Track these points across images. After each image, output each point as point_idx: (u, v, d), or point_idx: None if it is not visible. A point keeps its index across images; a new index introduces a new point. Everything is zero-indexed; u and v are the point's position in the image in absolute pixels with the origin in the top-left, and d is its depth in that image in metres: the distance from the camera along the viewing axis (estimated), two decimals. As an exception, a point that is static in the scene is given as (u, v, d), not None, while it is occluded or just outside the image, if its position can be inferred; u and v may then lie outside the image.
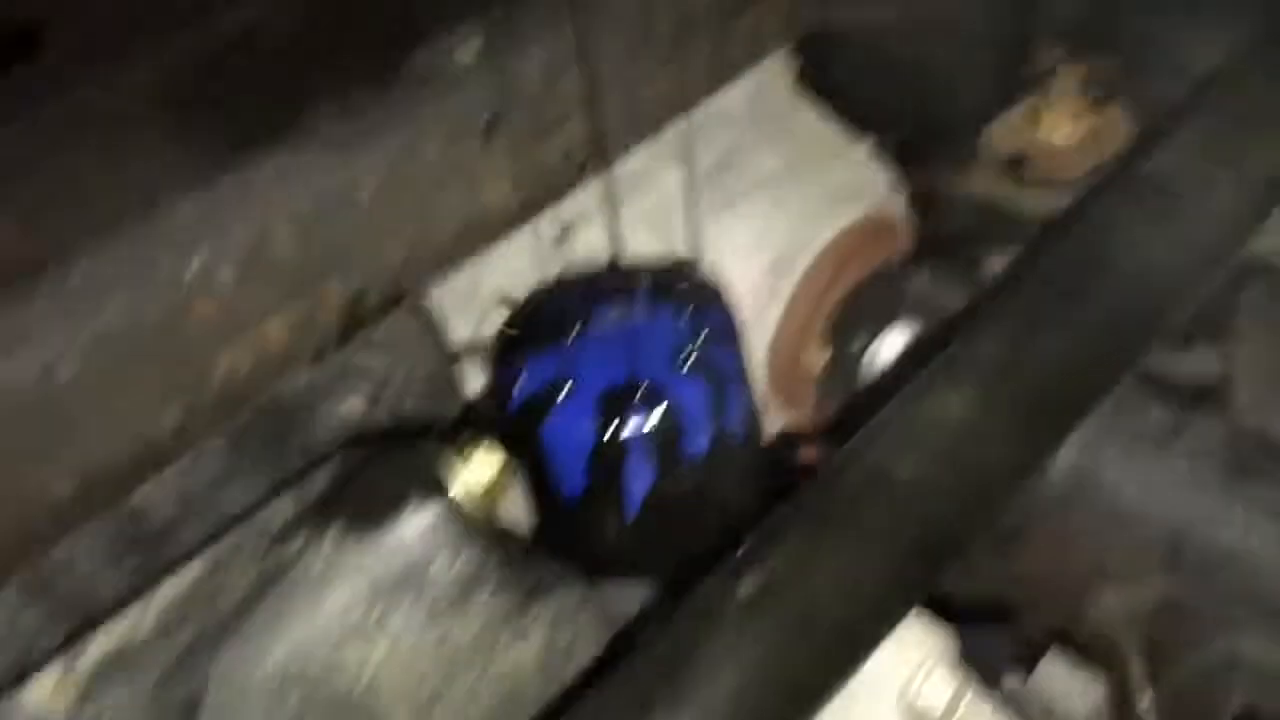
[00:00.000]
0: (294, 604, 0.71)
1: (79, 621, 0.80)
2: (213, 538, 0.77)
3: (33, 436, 0.70)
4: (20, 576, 0.81)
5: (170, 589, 0.74)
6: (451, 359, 0.99)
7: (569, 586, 0.79)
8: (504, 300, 1.07)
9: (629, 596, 0.85)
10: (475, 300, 1.09)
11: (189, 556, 0.78)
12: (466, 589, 0.73)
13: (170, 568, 0.75)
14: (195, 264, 0.74)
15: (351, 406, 0.91)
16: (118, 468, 0.75)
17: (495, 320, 1.09)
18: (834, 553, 0.61)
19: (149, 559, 0.83)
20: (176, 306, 0.74)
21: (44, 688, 0.69)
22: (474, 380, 1.02)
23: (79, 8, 0.82)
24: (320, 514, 0.75)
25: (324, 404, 0.91)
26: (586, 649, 0.79)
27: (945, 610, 0.77)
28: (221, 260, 0.75)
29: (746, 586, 0.61)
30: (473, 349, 1.05)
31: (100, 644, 0.71)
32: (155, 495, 0.84)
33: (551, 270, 0.98)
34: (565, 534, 0.97)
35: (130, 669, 0.70)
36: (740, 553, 0.64)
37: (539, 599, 0.77)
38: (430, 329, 0.96)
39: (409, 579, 0.72)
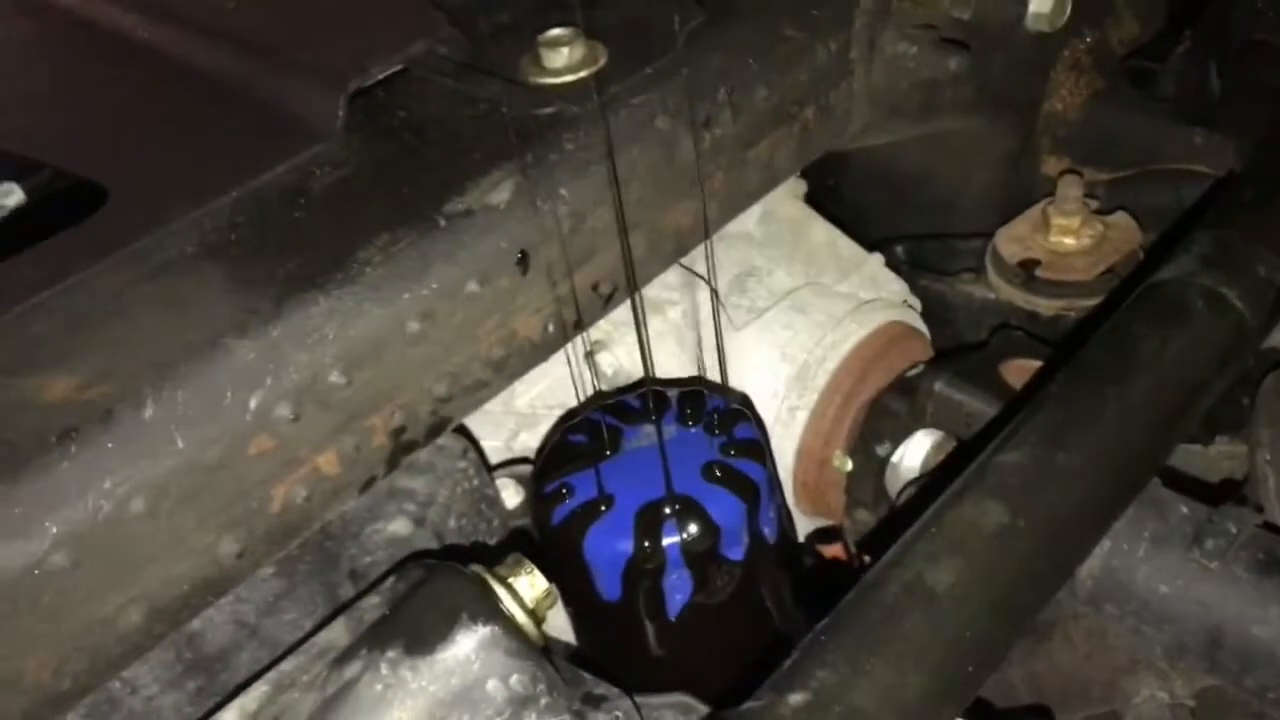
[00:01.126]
0: (355, 727, 0.73)
1: (142, 748, 0.82)
2: (273, 661, 0.80)
3: (109, 567, 0.73)
4: (88, 701, 0.84)
5: (235, 713, 0.76)
6: (491, 479, 1.02)
7: (617, 701, 0.81)
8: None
9: (675, 710, 0.87)
10: (507, 418, 1.13)
11: (250, 679, 0.80)
12: (519, 708, 0.75)
13: (235, 691, 0.77)
14: (254, 402, 0.77)
15: (397, 528, 0.94)
16: (182, 595, 0.78)
17: (526, 438, 1.13)
18: (878, 664, 0.63)
19: (208, 682, 0.86)
20: (237, 442, 0.77)
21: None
22: (512, 498, 1.05)
23: (143, 163, 0.87)
24: (375, 636, 0.77)
25: (370, 527, 0.94)
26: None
27: (984, 714, 0.79)
28: (278, 398, 0.78)
29: (794, 700, 0.63)
30: (510, 469, 1.08)
31: (168, 772, 0.74)
32: (212, 619, 0.87)
33: (580, 387, 1.02)
34: (609, 649, 0.99)
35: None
36: (786, 665, 0.67)
37: (589, 715, 0.79)
38: (469, 450, 0.99)
39: (464, 699, 0.74)
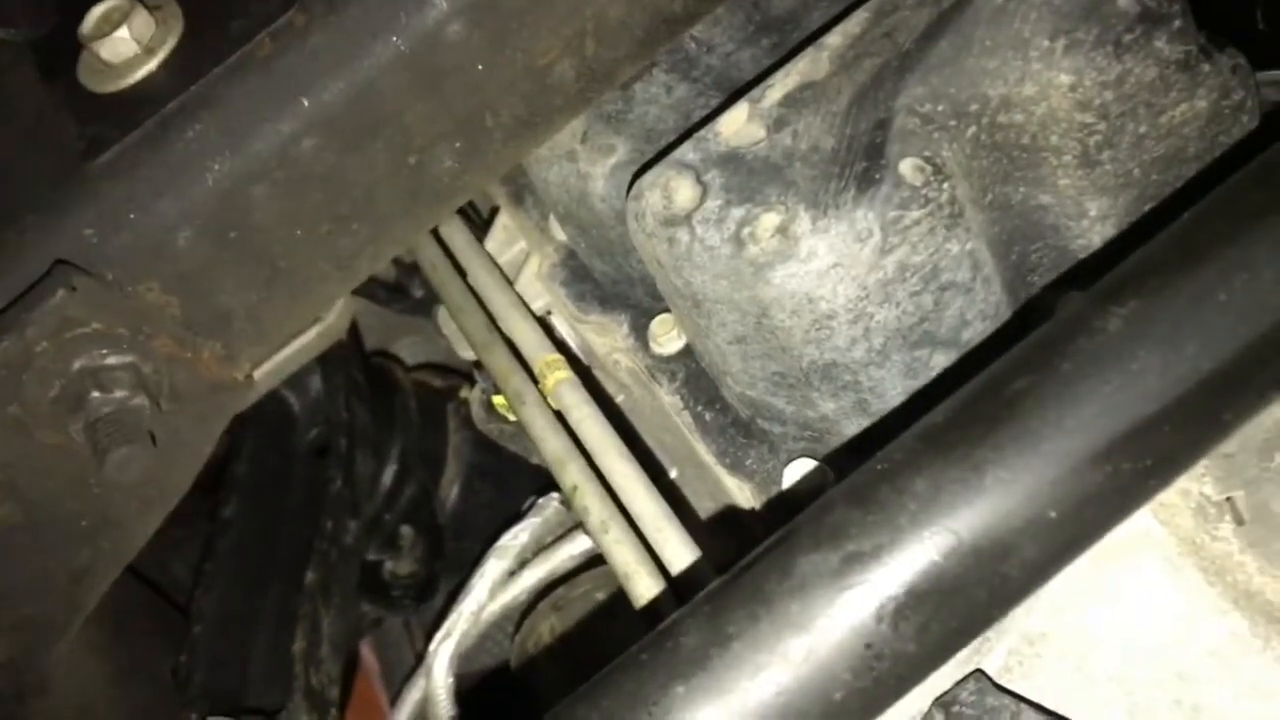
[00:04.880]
0: (975, 37, 0.70)
1: (725, 93, 0.84)
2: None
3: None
4: (667, 58, 0.86)
5: (838, 37, 0.75)
6: None
7: (1231, 54, 0.74)
8: None
9: None
10: None
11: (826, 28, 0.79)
12: (1150, 27, 0.70)
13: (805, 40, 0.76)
14: None
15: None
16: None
17: None
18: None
19: (781, 38, 0.85)
20: None
21: (737, 119, 0.73)
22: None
23: None
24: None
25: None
26: (1246, 124, 0.75)
27: None
28: None
29: None
30: None
31: (781, 85, 0.74)
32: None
33: None
34: None
35: (817, 100, 0.73)
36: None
37: (1210, 57, 0.73)
38: None
39: (1093, 13, 0.69)
